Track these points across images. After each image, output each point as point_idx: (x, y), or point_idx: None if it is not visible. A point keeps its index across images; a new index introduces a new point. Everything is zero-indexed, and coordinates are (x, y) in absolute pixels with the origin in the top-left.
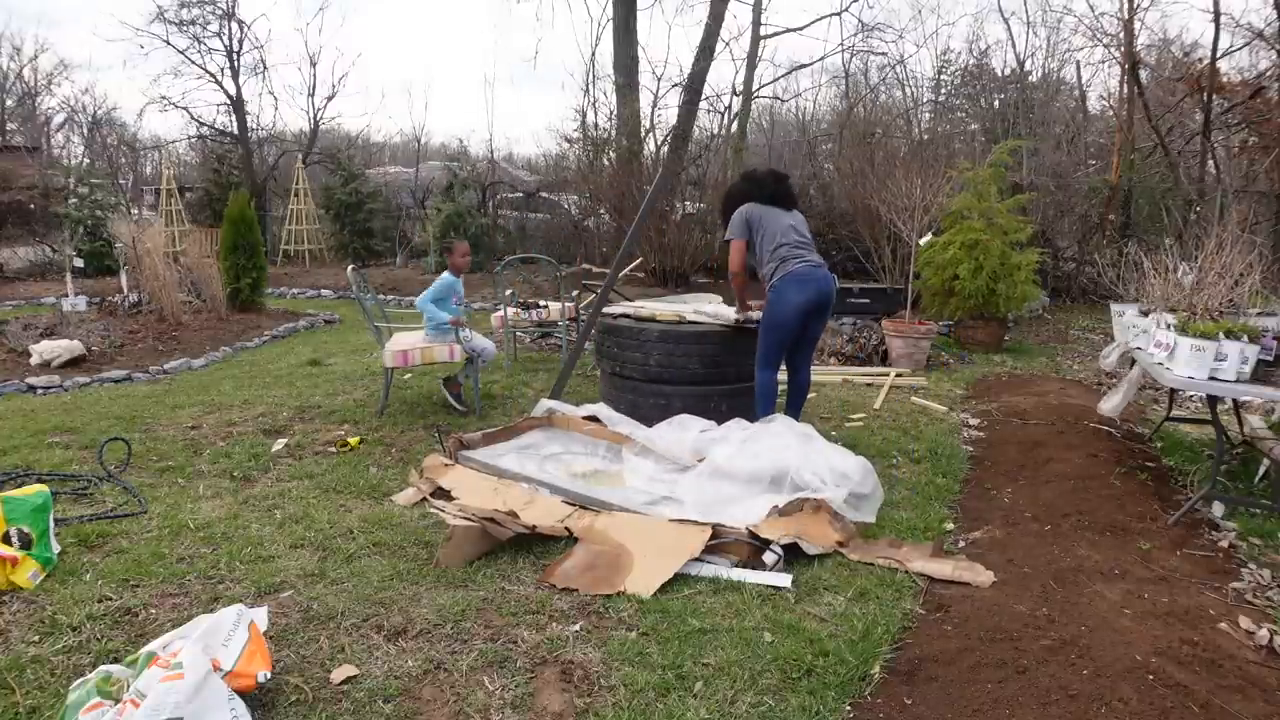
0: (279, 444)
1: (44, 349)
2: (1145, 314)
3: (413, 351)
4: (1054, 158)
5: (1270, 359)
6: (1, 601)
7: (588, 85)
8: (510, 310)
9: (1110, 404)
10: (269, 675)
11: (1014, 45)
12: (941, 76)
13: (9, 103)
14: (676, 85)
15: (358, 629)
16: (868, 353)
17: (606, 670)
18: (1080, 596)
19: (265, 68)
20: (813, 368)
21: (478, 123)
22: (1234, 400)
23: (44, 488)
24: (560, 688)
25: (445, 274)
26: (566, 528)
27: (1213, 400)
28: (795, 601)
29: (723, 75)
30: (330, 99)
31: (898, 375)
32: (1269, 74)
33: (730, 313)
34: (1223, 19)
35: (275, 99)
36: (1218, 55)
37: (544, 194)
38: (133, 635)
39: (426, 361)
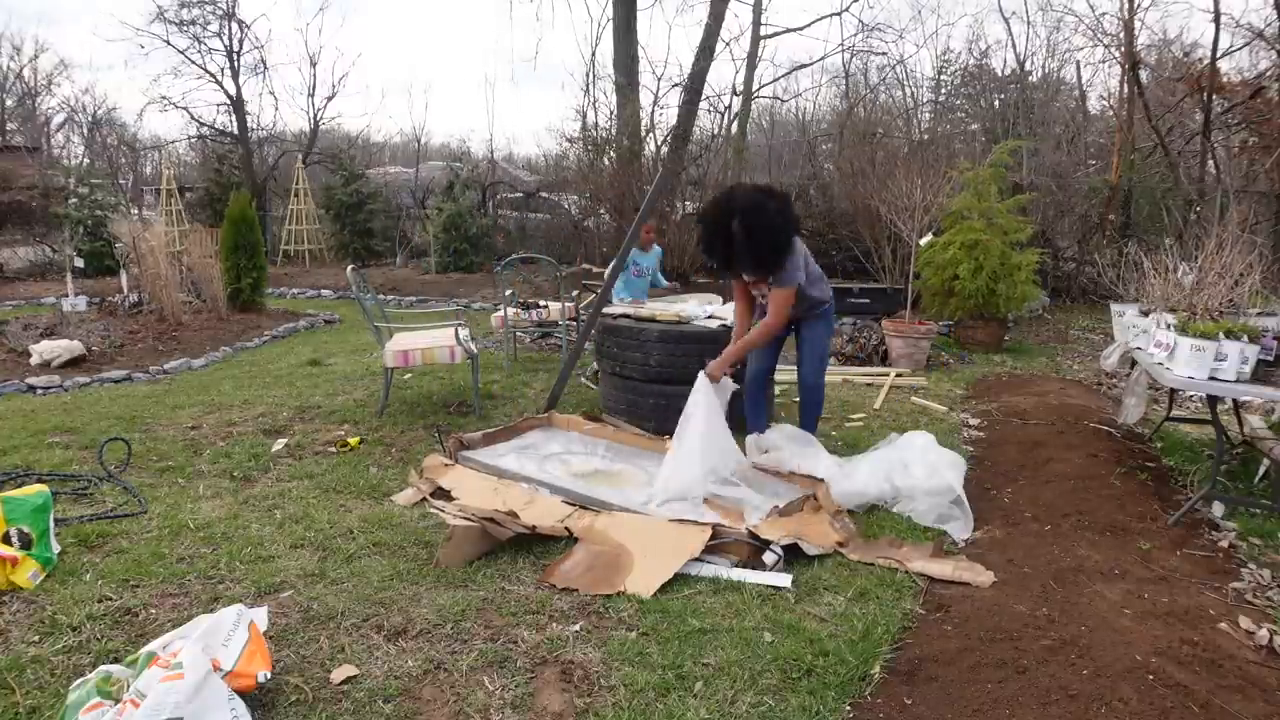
0: (279, 444)
1: (44, 349)
2: (1145, 314)
3: (413, 352)
4: (1054, 158)
5: (1270, 359)
6: (1, 601)
7: (588, 85)
8: (510, 310)
9: (1129, 415)
10: (269, 675)
11: (1014, 45)
12: (941, 76)
13: (9, 103)
14: (676, 85)
15: (358, 629)
16: (868, 353)
17: (606, 670)
18: (1080, 596)
19: (265, 68)
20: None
21: (478, 123)
22: (1234, 400)
23: (44, 488)
24: (560, 688)
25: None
26: (566, 528)
27: (1213, 400)
28: (795, 601)
29: (723, 75)
30: (330, 99)
31: (898, 375)
32: (1269, 74)
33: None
34: (1223, 19)
35: (275, 99)
36: (1218, 55)
37: (544, 194)
38: (133, 635)
39: (427, 362)
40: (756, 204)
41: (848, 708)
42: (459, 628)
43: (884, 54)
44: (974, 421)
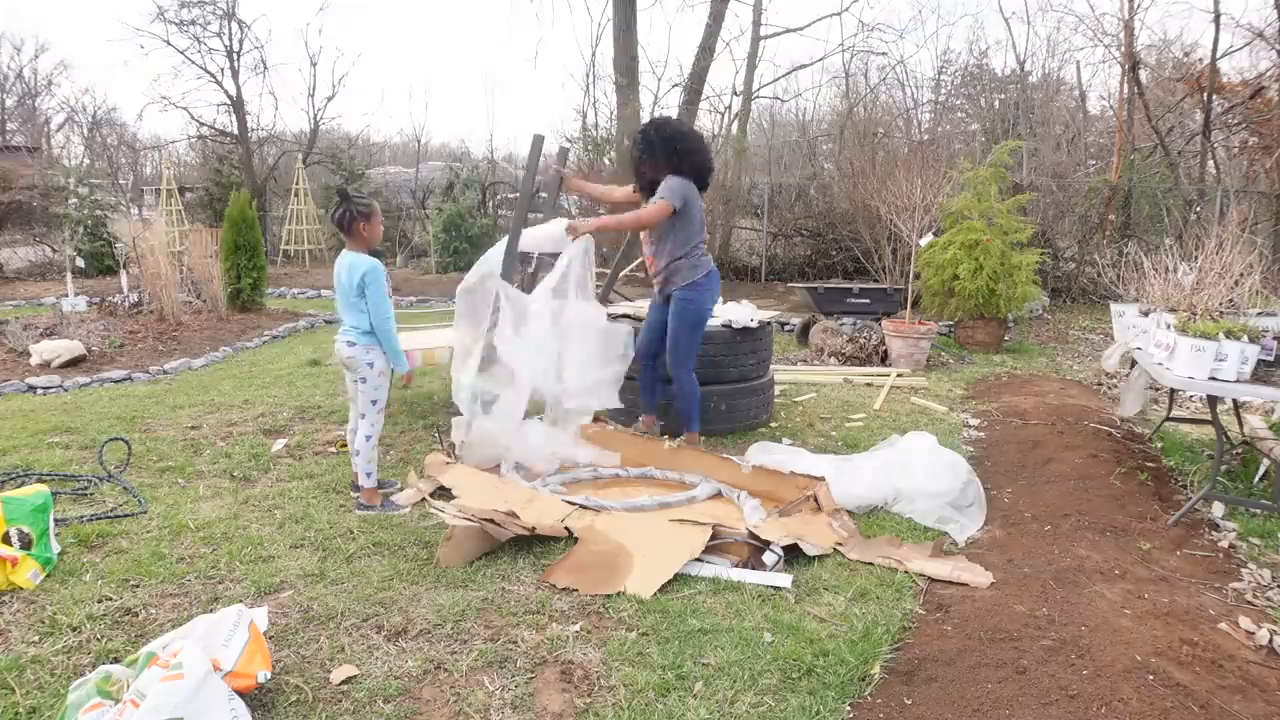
0: (279, 444)
1: (44, 349)
2: (1145, 314)
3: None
4: (1054, 158)
5: (1270, 359)
6: (1, 601)
7: (588, 85)
8: None
9: (1127, 407)
10: (269, 675)
11: (1014, 45)
12: (941, 77)
13: (9, 103)
14: (676, 85)
15: (358, 629)
16: (868, 353)
17: (606, 670)
18: (1080, 596)
19: (265, 68)
20: (813, 367)
21: (478, 123)
22: (1234, 400)
23: (44, 488)
24: (560, 688)
25: (367, 257)
26: (566, 528)
27: (1213, 400)
28: (795, 601)
29: (723, 75)
30: (330, 99)
31: (898, 375)
32: (1269, 74)
33: (745, 312)
34: (1223, 19)
35: (275, 99)
36: (1218, 55)
37: (544, 194)
38: (133, 635)
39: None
40: (668, 121)
41: (848, 708)
42: (459, 628)
43: (884, 54)
44: (974, 422)
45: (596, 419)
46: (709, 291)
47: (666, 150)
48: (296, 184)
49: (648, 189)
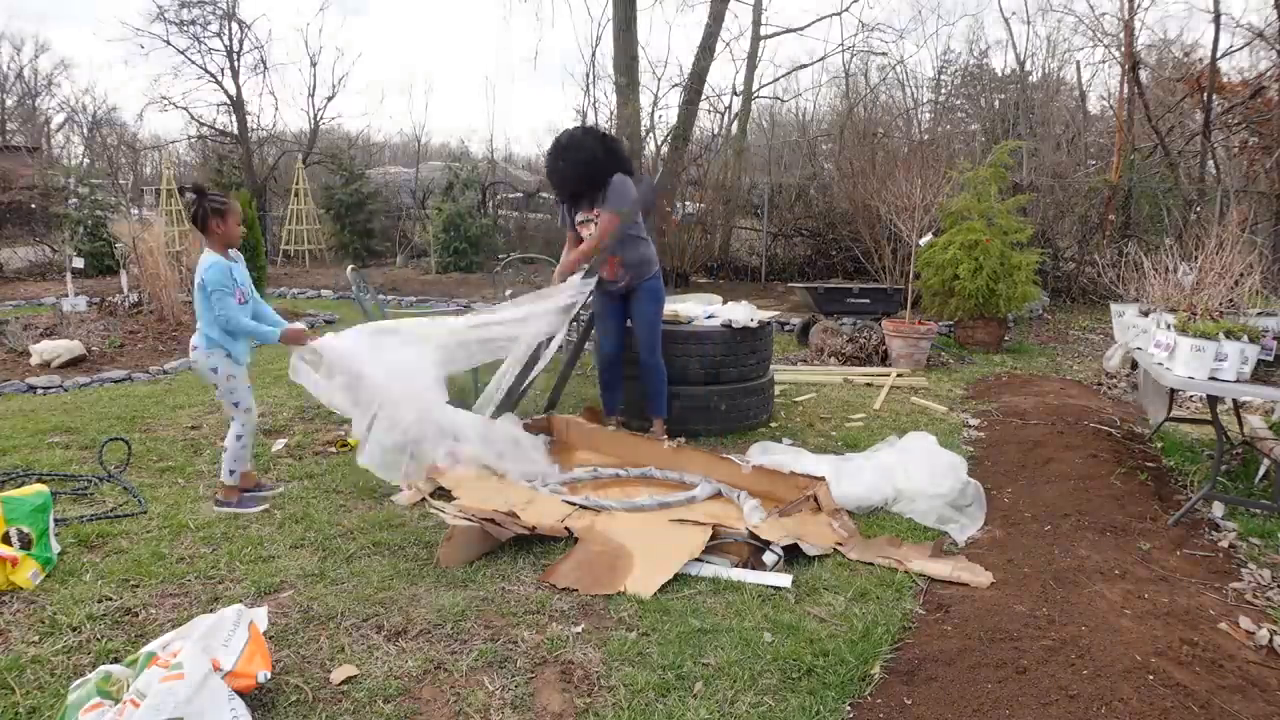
0: (279, 444)
1: (44, 349)
2: (1145, 314)
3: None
4: (1054, 158)
5: (1270, 359)
6: (1, 601)
7: (588, 85)
8: None
9: (1111, 363)
10: (269, 675)
11: (1014, 45)
12: (941, 77)
13: (9, 103)
14: (676, 85)
15: (358, 629)
16: (868, 353)
17: (606, 670)
18: (1080, 596)
19: (265, 68)
20: (813, 367)
21: (478, 122)
22: (1234, 400)
23: (44, 488)
24: (560, 688)
25: (214, 255)
26: (566, 528)
27: (1213, 400)
28: (795, 601)
29: (723, 75)
30: (330, 99)
31: (898, 375)
32: (1269, 74)
33: (744, 312)
34: (1223, 19)
35: (275, 99)
36: (1218, 55)
37: (544, 194)
38: (133, 635)
39: None
40: (575, 139)
41: (848, 708)
42: (459, 628)
43: (884, 54)
44: (974, 422)
45: (595, 420)
46: (660, 280)
47: (608, 153)
48: (296, 184)
49: (585, 199)
